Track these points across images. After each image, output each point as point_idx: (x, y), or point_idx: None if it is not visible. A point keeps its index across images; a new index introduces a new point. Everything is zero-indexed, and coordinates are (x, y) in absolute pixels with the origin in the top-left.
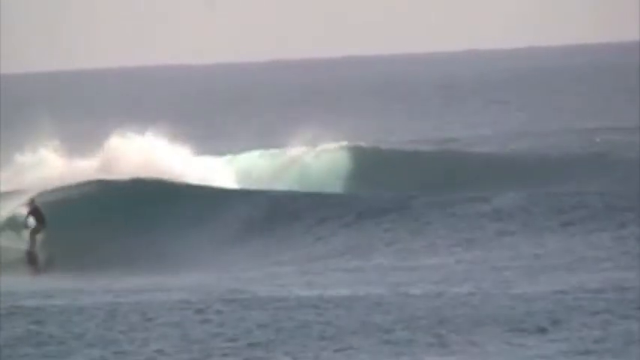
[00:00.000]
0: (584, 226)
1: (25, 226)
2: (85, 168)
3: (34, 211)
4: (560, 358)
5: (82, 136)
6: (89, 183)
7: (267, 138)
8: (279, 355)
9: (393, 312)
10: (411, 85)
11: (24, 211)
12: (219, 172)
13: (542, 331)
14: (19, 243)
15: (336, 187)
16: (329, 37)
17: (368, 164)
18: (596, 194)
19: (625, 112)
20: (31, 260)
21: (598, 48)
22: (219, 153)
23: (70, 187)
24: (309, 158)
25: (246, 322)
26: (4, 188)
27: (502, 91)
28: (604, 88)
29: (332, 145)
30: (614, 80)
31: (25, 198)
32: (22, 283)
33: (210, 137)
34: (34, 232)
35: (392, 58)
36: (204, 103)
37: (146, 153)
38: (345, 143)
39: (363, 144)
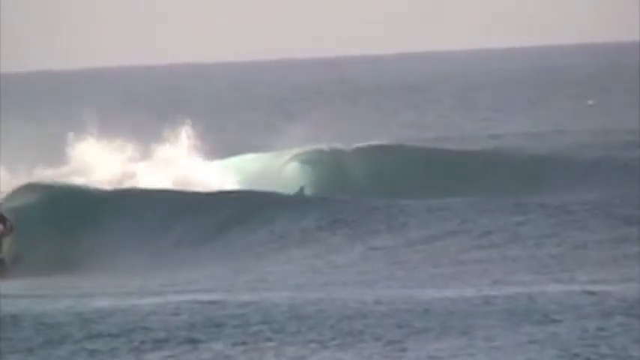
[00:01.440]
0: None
1: None
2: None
3: (1, 218)
4: None
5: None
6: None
7: (261, 139)
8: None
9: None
10: (412, 84)
11: None
12: (214, 174)
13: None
14: None
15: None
16: (330, 36)
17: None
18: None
19: (625, 113)
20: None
21: (598, 48)
22: (215, 154)
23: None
24: (296, 161)
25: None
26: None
27: (502, 91)
28: (605, 88)
29: (318, 147)
30: (614, 80)
31: None
32: None
33: (204, 137)
34: (1, 236)
35: (392, 58)
36: (202, 103)
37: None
38: (327, 146)
39: (360, 145)
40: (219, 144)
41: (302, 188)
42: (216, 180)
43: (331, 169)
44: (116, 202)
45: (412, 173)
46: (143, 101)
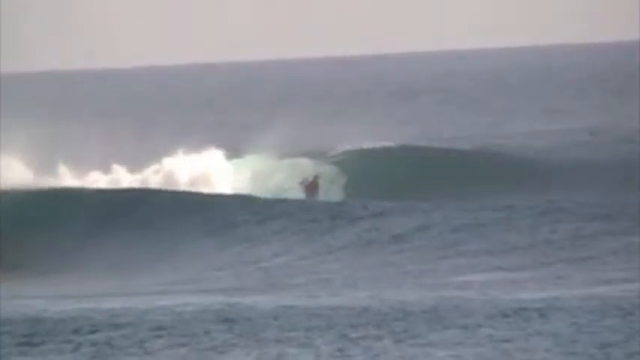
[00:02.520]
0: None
1: None
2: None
3: None
4: None
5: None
6: None
7: (261, 139)
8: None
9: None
10: (412, 84)
11: None
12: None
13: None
14: None
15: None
16: (331, 36)
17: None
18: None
19: (624, 113)
20: None
21: (598, 48)
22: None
23: None
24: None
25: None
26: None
27: (502, 90)
28: (605, 88)
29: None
30: (614, 80)
31: None
32: None
33: (204, 137)
34: None
35: (393, 58)
36: (203, 103)
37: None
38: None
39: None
40: (219, 143)
41: (315, 177)
42: (215, 181)
43: (330, 169)
44: (96, 202)
45: (413, 173)
46: (143, 101)
